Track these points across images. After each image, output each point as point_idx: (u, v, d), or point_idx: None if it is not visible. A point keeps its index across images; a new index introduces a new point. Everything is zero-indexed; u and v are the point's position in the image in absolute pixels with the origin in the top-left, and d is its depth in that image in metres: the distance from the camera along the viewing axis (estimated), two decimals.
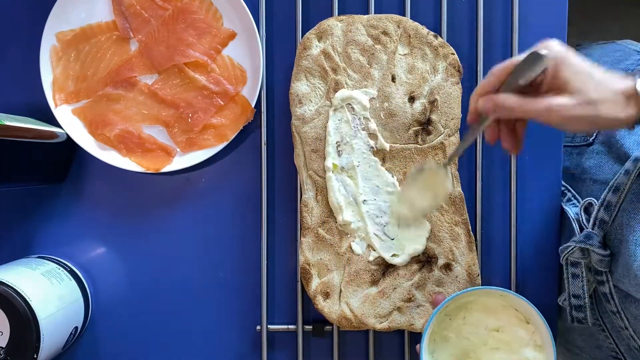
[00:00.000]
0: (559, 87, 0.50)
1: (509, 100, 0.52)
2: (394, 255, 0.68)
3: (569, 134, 0.76)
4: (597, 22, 1.49)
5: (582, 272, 0.63)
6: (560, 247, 0.64)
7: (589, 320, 0.64)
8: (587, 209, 0.66)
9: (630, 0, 1.52)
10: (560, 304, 0.67)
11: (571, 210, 0.68)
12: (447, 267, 0.68)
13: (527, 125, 0.57)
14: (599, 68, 0.51)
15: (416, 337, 0.71)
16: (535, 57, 0.50)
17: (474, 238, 0.69)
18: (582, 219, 0.65)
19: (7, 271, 0.65)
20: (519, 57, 0.52)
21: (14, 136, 0.62)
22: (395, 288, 0.68)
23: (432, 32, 0.68)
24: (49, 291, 0.65)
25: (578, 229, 0.65)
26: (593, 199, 0.64)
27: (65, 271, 0.71)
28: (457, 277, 0.68)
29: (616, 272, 0.60)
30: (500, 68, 0.53)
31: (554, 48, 0.51)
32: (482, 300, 0.63)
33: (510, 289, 0.71)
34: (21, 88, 0.72)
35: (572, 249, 0.62)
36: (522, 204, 0.72)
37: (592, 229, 0.62)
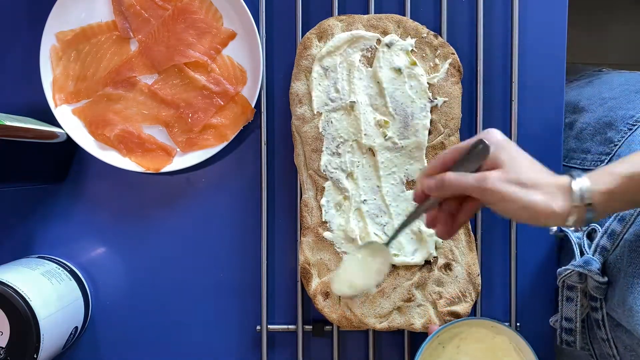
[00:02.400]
0: (496, 167, 0.51)
1: (450, 176, 0.52)
2: (394, 255, 0.68)
3: (576, 156, 0.75)
4: (598, 20, 1.49)
5: (577, 297, 0.64)
6: (559, 270, 0.64)
7: (578, 345, 0.64)
8: (590, 235, 0.66)
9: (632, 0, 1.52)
10: (551, 324, 0.68)
11: (573, 234, 0.67)
12: (447, 266, 0.68)
13: (467, 220, 0.57)
14: (537, 164, 0.52)
15: (416, 336, 0.71)
16: (481, 145, 0.51)
17: (473, 237, 0.69)
18: (584, 244, 0.65)
19: (7, 271, 0.65)
20: (463, 144, 0.53)
21: (14, 136, 0.62)
22: (395, 288, 0.68)
23: (432, 32, 0.68)
24: (49, 291, 0.65)
25: (579, 253, 0.65)
26: (597, 226, 0.64)
27: (65, 271, 0.71)
28: (457, 276, 0.68)
29: (611, 300, 0.60)
30: (447, 153, 0.54)
31: (495, 136, 0.52)
32: (474, 331, 0.64)
33: (510, 290, 0.71)
34: (21, 88, 0.72)
35: (570, 272, 0.62)
36: None
37: (593, 255, 0.62)
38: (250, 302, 0.73)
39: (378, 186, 0.68)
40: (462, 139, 0.70)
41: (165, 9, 0.70)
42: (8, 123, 0.61)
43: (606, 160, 0.71)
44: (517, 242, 0.71)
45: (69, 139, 0.70)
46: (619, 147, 0.70)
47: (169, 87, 0.71)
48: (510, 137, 0.71)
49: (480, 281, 0.68)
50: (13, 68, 0.72)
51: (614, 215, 0.61)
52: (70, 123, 0.70)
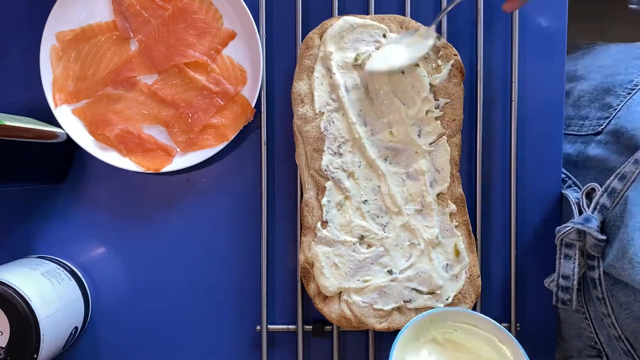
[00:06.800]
0: None
1: None
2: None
3: (573, 123, 0.75)
4: (599, 22, 1.49)
5: (575, 254, 0.63)
6: (557, 228, 0.64)
7: (574, 303, 0.64)
8: (589, 195, 0.66)
9: None
10: (546, 285, 0.67)
11: (572, 195, 0.67)
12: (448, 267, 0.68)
13: None
14: None
15: None
16: None
17: (474, 239, 0.69)
18: (583, 204, 0.65)
19: (7, 271, 0.65)
20: None
21: (14, 136, 0.62)
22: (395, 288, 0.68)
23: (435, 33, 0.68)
24: (49, 291, 0.65)
25: (577, 213, 0.65)
26: (596, 185, 0.64)
27: (65, 271, 0.70)
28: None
29: (609, 257, 0.60)
30: None
31: None
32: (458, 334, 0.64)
33: (510, 290, 0.71)
34: (21, 88, 0.72)
35: (569, 229, 0.62)
36: (522, 204, 0.72)
37: (592, 213, 0.62)
38: (250, 302, 0.73)
39: (379, 186, 0.68)
40: (463, 140, 0.70)
41: (165, 9, 0.70)
42: (8, 123, 0.61)
43: (604, 124, 0.70)
44: (517, 243, 0.71)
45: (69, 139, 0.70)
46: (618, 110, 0.70)
47: (169, 87, 0.71)
48: (510, 137, 0.71)
49: (480, 283, 0.68)
50: (13, 68, 0.72)
51: (615, 173, 0.61)
52: (70, 123, 0.70)
